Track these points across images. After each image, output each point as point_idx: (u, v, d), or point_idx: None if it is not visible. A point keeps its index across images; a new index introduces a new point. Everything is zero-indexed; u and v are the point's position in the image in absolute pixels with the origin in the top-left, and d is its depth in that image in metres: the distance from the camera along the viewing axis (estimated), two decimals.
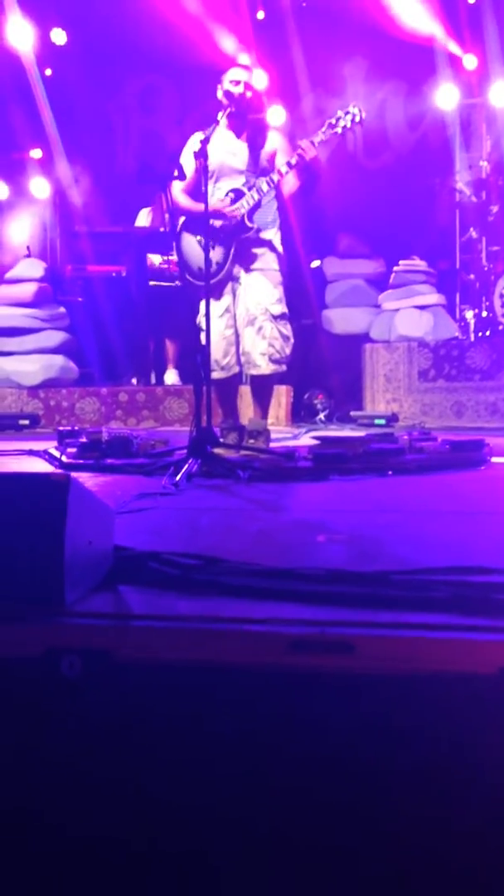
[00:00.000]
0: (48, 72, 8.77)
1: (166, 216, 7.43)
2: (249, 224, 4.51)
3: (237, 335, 4.62)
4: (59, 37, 8.93)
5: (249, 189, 4.49)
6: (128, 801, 1.46)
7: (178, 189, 4.48)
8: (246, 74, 4.58)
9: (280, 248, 4.65)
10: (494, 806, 1.36)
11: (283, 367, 4.70)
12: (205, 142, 4.15)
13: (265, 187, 4.46)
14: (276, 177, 4.45)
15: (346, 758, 1.40)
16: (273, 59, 8.30)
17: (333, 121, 4.43)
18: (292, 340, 4.70)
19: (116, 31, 8.63)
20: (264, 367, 4.60)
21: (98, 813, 1.49)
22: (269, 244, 4.60)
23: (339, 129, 4.44)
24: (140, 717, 1.46)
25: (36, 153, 8.70)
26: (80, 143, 8.76)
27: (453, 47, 8.33)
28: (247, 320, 4.57)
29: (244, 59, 8.14)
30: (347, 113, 4.42)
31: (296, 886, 1.41)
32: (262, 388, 4.78)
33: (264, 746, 1.42)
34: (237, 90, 4.48)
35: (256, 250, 4.58)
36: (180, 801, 1.44)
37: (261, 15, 8.75)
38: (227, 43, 8.29)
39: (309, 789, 1.39)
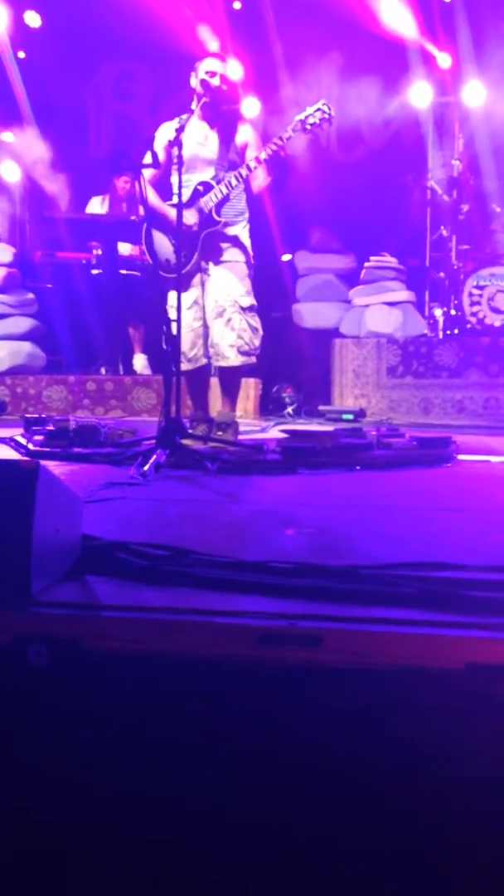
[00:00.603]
0: (21, 54, 8.67)
1: (124, 205, 7.44)
2: (217, 218, 4.49)
3: (205, 327, 4.61)
4: (33, 19, 8.82)
5: (218, 182, 4.47)
6: (94, 789, 1.45)
7: (147, 179, 4.43)
8: (221, 65, 4.55)
9: (248, 242, 4.63)
10: (461, 798, 1.37)
11: (253, 359, 4.70)
12: (179, 130, 4.13)
13: (234, 182, 4.45)
14: (244, 171, 4.43)
15: (314, 750, 1.40)
16: (249, 50, 8.27)
17: (303, 117, 4.39)
18: (261, 332, 4.69)
19: (91, 15, 8.54)
20: (233, 359, 4.60)
21: (64, 800, 1.48)
22: (235, 238, 4.58)
23: (308, 126, 4.40)
24: (106, 707, 1.45)
25: (7, 136, 8.59)
26: (54, 128, 8.67)
27: (428, 46, 8.36)
28: (216, 312, 4.56)
29: (219, 49, 8.11)
30: (318, 110, 4.39)
31: (264, 876, 1.42)
32: (231, 380, 4.77)
33: (231, 738, 1.42)
34: (212, 81, 4.46)
35: (224, 244, 4.57)
36: (146, 790, 1.44)
37: (237, 5, 8.72)
38: (204, 32, 8.24)
39: (276, 782, 1.39)
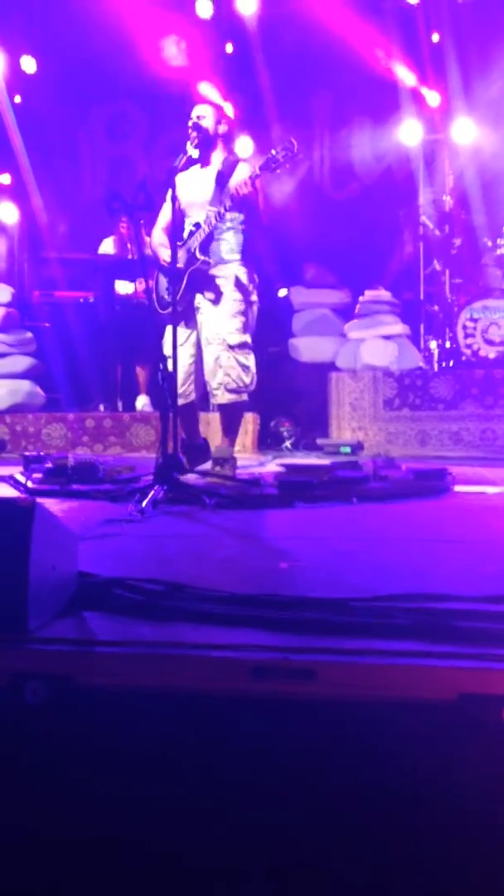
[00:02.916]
0: (17, 99, 8.83)
1: (129, 245, 7.54)
2: (199, 256, 4.55)
3: (199, 364, 4.66)
4: (28, 65, 9.00)
5: (206, 222, 4.55)
6: (93, 825, 1.46)
7: (161, 224, 4.65)
8: (212, 110, 4.66)
9: (244, 279, 4.66)
10: (454, 827, 1.38)
11: (243, 397, 4.69)
12: (172, 171, 4.22)
13: (213, 221, 4.52)
14: (221, 210, 4.49)
15: (308, 783, 1.41)
16: (241, 90, 8.44)
17: (271, 155, 4.41)
18: (253, 370, 4.67)
19: (85, 59, 8.71)
20: (220, 397, 4.65)
21: (63, 837, 1.48)
22: (228, 276, 4.62)
23: (274, 164, 4.38)
24: (103, 742, 1.47)
25: (5, 179, 8.73)
26: (49, 170, 8.81)
27: (417, 85, 8.52)
28: (206, 350, 4.61)
29: (212, 92, 8.27)
30: (283, 147, 4.37)
31: None
32: (228, 416, 4.80)
33: (225, 771, 1.43)
34: (205, 124, 4.55)
35: (218, 281, 4.62)
36: (143, 825, 1.45)
37: (229, 48, 8.90)
38: (197, 74, 8.40)
39: (270, 814, 1.40)
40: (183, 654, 1.52)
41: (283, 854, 1.39)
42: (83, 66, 8.79)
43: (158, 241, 4.76)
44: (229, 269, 4.63)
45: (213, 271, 4.61)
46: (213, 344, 4.59)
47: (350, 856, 1.39)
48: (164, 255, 4.54)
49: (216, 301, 4.61)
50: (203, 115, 4.59)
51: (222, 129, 4.67)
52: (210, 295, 4.62)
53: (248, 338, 4.66)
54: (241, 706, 1.45)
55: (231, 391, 4.62)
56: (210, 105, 4.70)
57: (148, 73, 8.33)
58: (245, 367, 4.63)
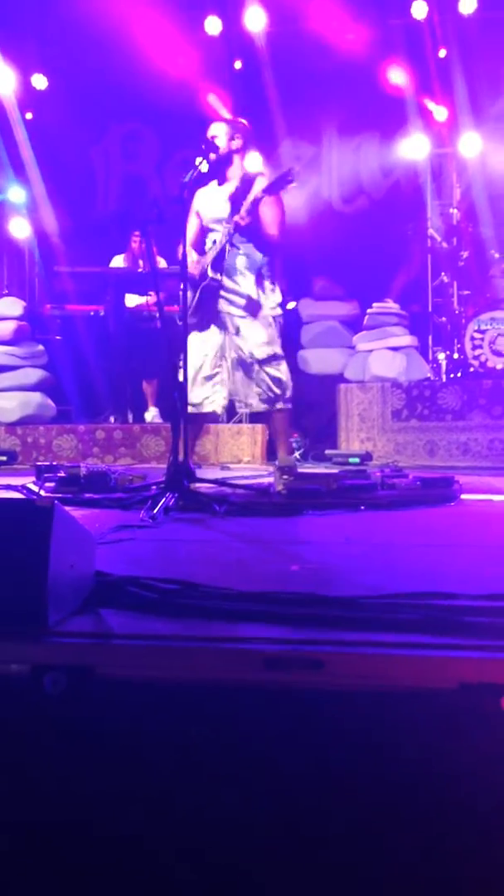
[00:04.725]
0: (28, 115, 8.96)
1: (140, 261, 7.65)
2: (210, 274, 4.64)
3: (229, 378, 4.74)
4: (39, 82, 9.14)
5: (220, 240, 4.64)
6: (112, 814, 1.52)
7: (188, 239, 4.66)
8: (224, 128, 4.74)
9: (265, 293, 4.73)
10: (456, 814, 1.44)
11: (279, 405, 4.77)
12: (184, 187, 4.29)
13: (224, 239, 4.61)
14: (231, 229, 4.58)
15: (317, 769, 1.47)
16: (250, 107, 8.54)
17: (271, 179, 4.51)
18: (286, 379, 4.76)
19: (96, 77, 8.85)
20: (256, 405, 4.79)
21: (81, 826, 1.55)
22: (249, 290, 4.69)
23: (274, 188, 4.48)
24: (118, 730, 1.53)
25: (17, 193, 8.85)
26: (60, 185, 8.93)
27: (424, 99, 8.62)
28: (236, 365, 4.70)
29: (224, 111, 8.39)
30: (285, 172, 4.49)
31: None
32: (274, 425, 4.96)
33: (238, 757, 1.49)
34: (218, 143, 4.63)
35: (236, 297, 4.69)
36: (162, 812, 1.51)
37: (238, 65, 9.02)
38: (207, 91, 8.52)
39: (284, 797, 1.47)
40: (197, 647, 1.58)
41: (291, 835, 1.45)
42: (93, 84, 8.93)
43: (183, 253, 4.78)
44: (247, 283, 4.70)
45: (232, 286, 4.68)
46: (242, 359, 4.68)
47: (353, 840, 1.45)
48: (191, 268, 4.61)
49: (245, 316, 4.68)
50: (215, 134, 4.67)
51: (235, 144, 4.72)
52: (239, 310, 4.69)
53: (276, 349, 4.74)
54: (253, 696, 1.51)
55: (265, 401, 4.73)
56: (223, 122, 4.78)
57: (158, 91, 8.45)
58: (276, 380, 4.72)
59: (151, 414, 7.58)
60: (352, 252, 8.20)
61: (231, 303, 4.70)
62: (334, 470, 5.73)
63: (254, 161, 8.21)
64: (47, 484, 4.39)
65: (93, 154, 9.78)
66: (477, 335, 7.11)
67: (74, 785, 1.53)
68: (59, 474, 4.56)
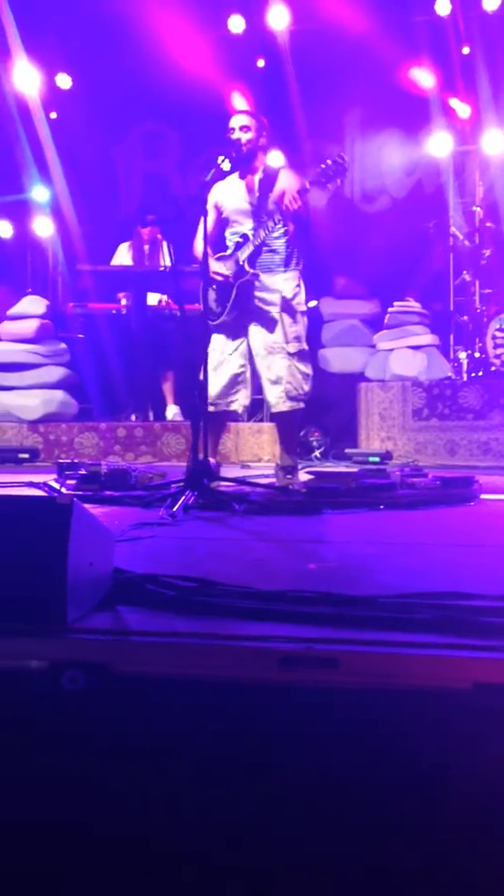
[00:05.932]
0: (53, 115, 9.02)
1: (145, 248, 7.70)
2: (248, 269, 4.63)
3: (254, 374, 4.74)
4: (64, 81, 9.20)
5: (254, 235, 4.64)
6: (127, 809, 1.54)
7: (198, 238, 4.60)
8: (250, 120, 4.71)
9: (296, 289, 4.73)
10: (470, 814, 1.44)
11: (300, 405, 4.76)
12: (204, 185, 4.30)
13: (262, 234, 4.61)
14: (270, 224, 4.58)
15: (330, 769, 1.48)
16: (273, 105, 8.54)
17: (321, 169, 4.52)
18: (311, 375, 4.78)
19: (120, 77, 8.89)
20: (280, 405, 4.72)
21: (97, 822, 1.56)
22: (280, 285, 4.68)
23: (324, 179, 4.51)
24: (135, 726, 1.55)
25: (41, 193, 8.91)
26: (84, 185, 8.97)
27: (447, 97, 8.58)
28: (265, 360, 4.69)
29: (246, 105, 8.38)
30: (335, 163, 4.50)
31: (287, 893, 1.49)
32: (285, 425, 4.91)
33: (254, 756, 1.51)
34: (245, 136, 4.61)
35: (269, 294, 4.68)
36: (175, 810, 1.53)
37: (261, 63, 9.02)
38: (229, 90, 8.53)
39: (297, 796, 1.48)
40: (215, 644, 1.60)
41: (302, 832, 1.46)
42: (116, 83, 8.96)
43: (203, 251, 4.73)
44: (280, 279, 4.70)
45: (265, 282, 4.68)
46: (273, 354, 4.66)
47: (365, 839, 1.46)
48: (215, 266, 4.60)
49: (274, 311, 4.67)
50: (246, 125, 4.63)
51: (262, 141, 4.72)
52: (269, 305, 4.68)
53: (305, 345, 4.75)
54: (270, 694, 1.52)
55: (292, 398, 4.69)
56: (252, 116, 4.74)
57: (180, 90, 8.47)
58: (305, 375, 4.73)
59: (172, 411, 7.62)
60: (373, 251, 8.17)
61: (263, 301, 4.69)
62: (354, 469, 5.73)
63: (275, 159, 8.24)
64: (68, 481, 4.42)
65: (115, 153, 9.82)
66: (499, 334, 7.07)
67: (87, 782, 1.55)
68: (80, 472, 4.59)
